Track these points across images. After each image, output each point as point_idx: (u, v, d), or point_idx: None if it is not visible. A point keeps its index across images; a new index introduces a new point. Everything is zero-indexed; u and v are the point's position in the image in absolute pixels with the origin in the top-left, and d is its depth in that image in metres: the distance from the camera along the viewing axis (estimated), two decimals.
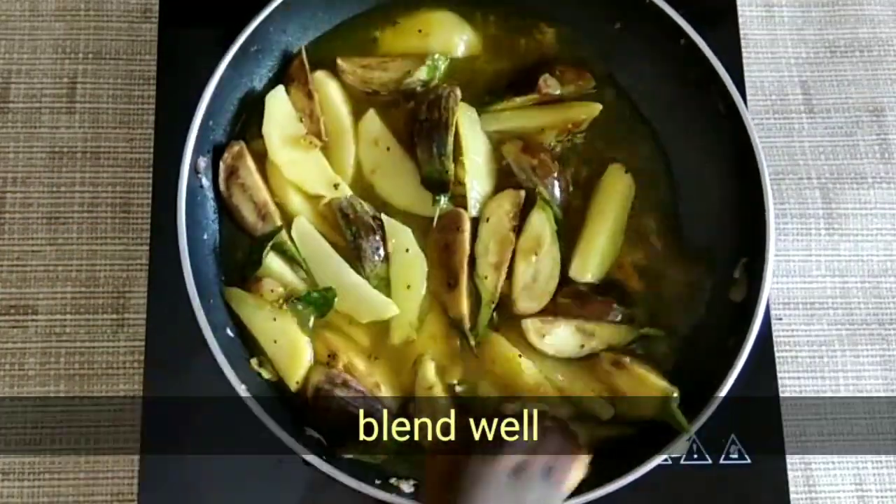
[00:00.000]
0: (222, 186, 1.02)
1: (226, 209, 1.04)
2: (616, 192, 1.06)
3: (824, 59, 1.20)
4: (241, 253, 1.04)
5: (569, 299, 1.02)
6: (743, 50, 1.16)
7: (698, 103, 1.04)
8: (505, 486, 0.77)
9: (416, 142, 1.04)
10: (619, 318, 1.02)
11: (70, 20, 1.16)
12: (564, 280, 1.03)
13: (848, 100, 1.18)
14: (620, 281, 1.05)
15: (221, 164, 1.02)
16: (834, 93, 1.18)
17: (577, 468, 0.83)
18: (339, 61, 1.08)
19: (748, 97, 1.15)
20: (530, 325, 1.01)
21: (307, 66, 1.06)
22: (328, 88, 1.07)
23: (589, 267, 1.03)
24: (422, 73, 1.07)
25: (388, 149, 1.06)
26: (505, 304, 1.02)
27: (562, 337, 1.01)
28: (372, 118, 1.07)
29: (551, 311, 1.02)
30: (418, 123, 1.04)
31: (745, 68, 1.16)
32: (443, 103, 1.03)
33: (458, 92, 1.04)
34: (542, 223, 1.02)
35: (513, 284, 1.02)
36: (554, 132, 1.07)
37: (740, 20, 1.18)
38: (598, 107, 1.07)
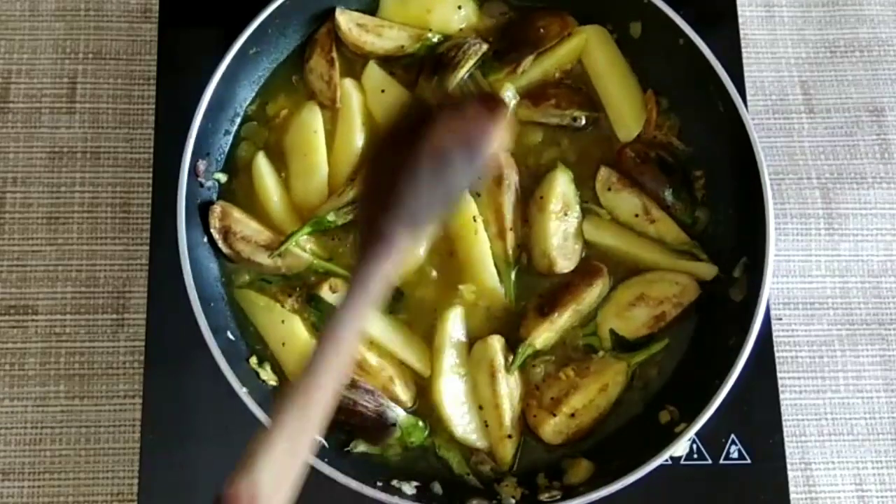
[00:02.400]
0: (227, 250, 1.02)
1: (243, 263, 1.03)
2: (600, 52, 1.09)
3: (824, 59, 1.19)
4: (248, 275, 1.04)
5: (634, 154, 1.05)
6: (743, 50, 1.16)
7: (697, 103, 1.04)
8: (429, 175, 0.75)
9: (422, 69, 1.06)
10: (670, 199, 1.04)
11: (70, 20, 1.16)
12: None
13: (848, 100, 1.18)
14: (665, 144, 1.07)
15: (213, 231, 1.01)
16: (834, 93, 1.18)
17: (496, 133, 0.78)
18: (338, 13, 1.07)
19: (748, 97, 1.15)
20: (605, 175, 1.05)
21: (335, 35, 1.07)
22: (352, 100, 1.07)
23: (627, 122, 1.07)
24: (414, 50, 1.08)
25: (397, 94, 1.07)
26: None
27: (625, 200, 1.04)
28: (374, 68, 1.08)
29: (620, 167, 1.05)
30: (432, 57, 1.07)
31: (745, 68, 1.16)
32: (465, 47, 1.05)
33: (484, 47, 1.06)
34: (566, 184, 1.05)
35: (547, 246, 1.02)
36: (555, 75, 1.10)
37: (740, 20, 1.18)
38: (583, 38, 1.09)
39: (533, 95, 1.08)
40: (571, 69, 1.10)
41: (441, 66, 1.05)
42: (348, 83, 1.07)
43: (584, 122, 1.07)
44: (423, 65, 1.07)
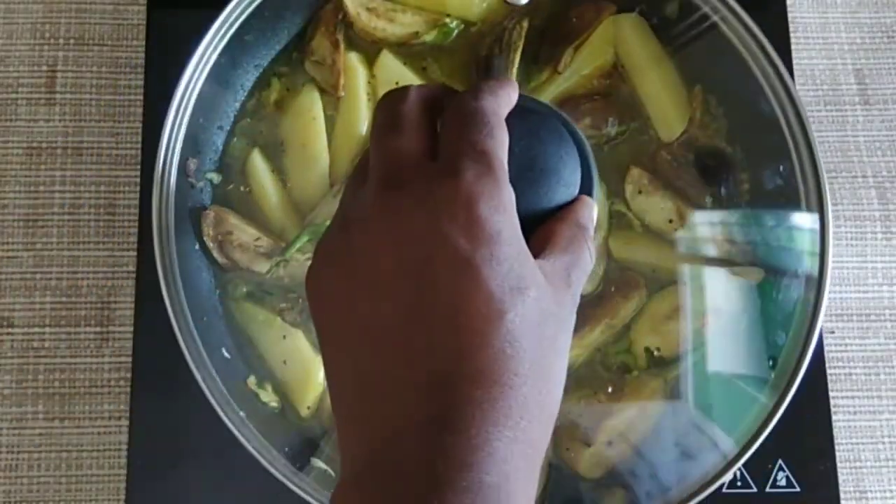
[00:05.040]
0: (222, 259, 0.97)
1: (240, 273, 0.99)
2: (636, 43, 1.03)
3: (881, 45, 1.14)
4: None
5: (670, 157, 1.01)
6: (791, 34, 1.11)
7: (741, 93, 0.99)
8: None
9: (477, 79, 1.02)
10: (709, 203, 0.99)
11: (49, 2, 1.11)
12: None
13: None
14: (711, 149, 1.03)
15: (206, 240, 0.97)
16: (892, 82, 1.13)
17: None
18: None
19: (797, 87, 1.08)
20: (636, 176, 0.99)
21: (340, 14, 1.01)
22: (357, 77, 1.01)
23: (669, 121, 1.02)
24: (430, 37, 1.03)
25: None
26: None
27: (657, 204, 0.99)
28: (387, 57, 1.02)
29: (652, 169, 1.01)
30: (479, 59, 1.02)
31: (794, 55, 1.11)
32: (506, 37, 1.01)
33: (525, 25, 1.01)
34: (600, 199, 0.99)
35: None
36: (591, 81, 1.04)
37: (788, 1, 1.13)
38: (615, 22, 1.03)
39: (566, 112, 1.03)
40: (610, 71, 1.04)
41: (492, 66, 1.00)
42: (353, 58, 1.01)
43: (616, 131, 1.02)
44: (475, 74, 1.02)
